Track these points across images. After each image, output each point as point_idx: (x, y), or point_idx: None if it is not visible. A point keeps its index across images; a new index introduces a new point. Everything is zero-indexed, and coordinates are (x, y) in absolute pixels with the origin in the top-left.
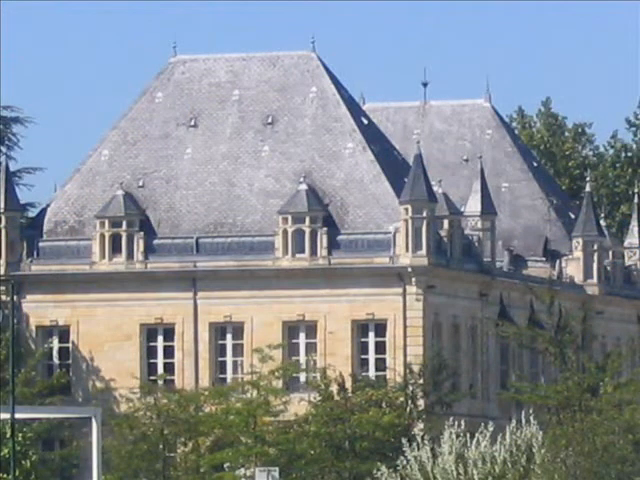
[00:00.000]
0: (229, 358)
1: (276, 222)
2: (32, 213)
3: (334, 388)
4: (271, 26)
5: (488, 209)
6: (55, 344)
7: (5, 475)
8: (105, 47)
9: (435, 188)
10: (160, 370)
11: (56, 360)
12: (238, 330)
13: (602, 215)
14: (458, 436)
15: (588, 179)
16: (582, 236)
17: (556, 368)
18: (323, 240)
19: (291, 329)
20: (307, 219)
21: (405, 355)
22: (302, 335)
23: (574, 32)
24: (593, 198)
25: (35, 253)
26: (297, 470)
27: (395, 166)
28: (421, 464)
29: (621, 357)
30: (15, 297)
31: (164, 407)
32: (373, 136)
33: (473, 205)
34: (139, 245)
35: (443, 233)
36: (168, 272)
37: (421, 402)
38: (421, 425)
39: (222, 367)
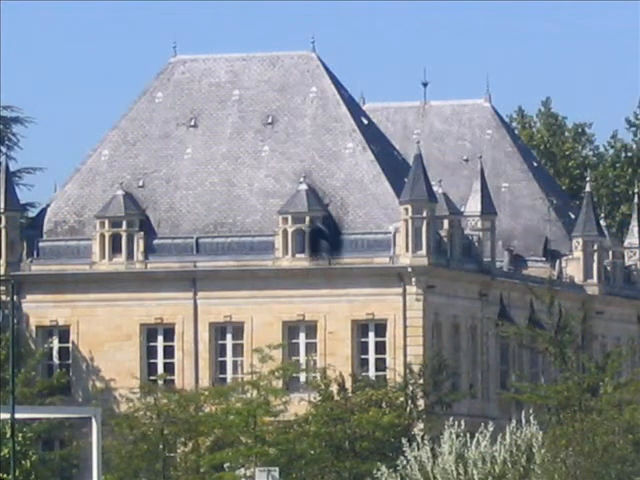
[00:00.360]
0: (229, 358)
1: (276, 222)
2: (32, 213)
3: (334, 388)
4: (271, 26)
5: (488, 209)
6: (55, 344)
7: (5, 475)
8: (105, 47)
9: (435, 188)
10: (160, 370)
11: (56, 360)
12: (238, 330)
13: (602, 215)
14: (458, 436)
15: (588, 179)
16: (582, 236)
17: (556, 368)
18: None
19: (291, 329)
20: (307, 219)
21: (405, 355)
22: (302, 335)
23: (574, 32)
24: (593, 198)
25: (35, 253)
26: (297, 470)
27: (395, 166)
28: (421, 464)
29: (621, 357)
30: (15, 297)
31: (164, 407)
32: (373, 136)
33: (473, 205)
34: (139, 245)
35: (443, 233)
36: (168, 272)
37: (421, 402)
38: (421, 425)
39: (222, 367)
